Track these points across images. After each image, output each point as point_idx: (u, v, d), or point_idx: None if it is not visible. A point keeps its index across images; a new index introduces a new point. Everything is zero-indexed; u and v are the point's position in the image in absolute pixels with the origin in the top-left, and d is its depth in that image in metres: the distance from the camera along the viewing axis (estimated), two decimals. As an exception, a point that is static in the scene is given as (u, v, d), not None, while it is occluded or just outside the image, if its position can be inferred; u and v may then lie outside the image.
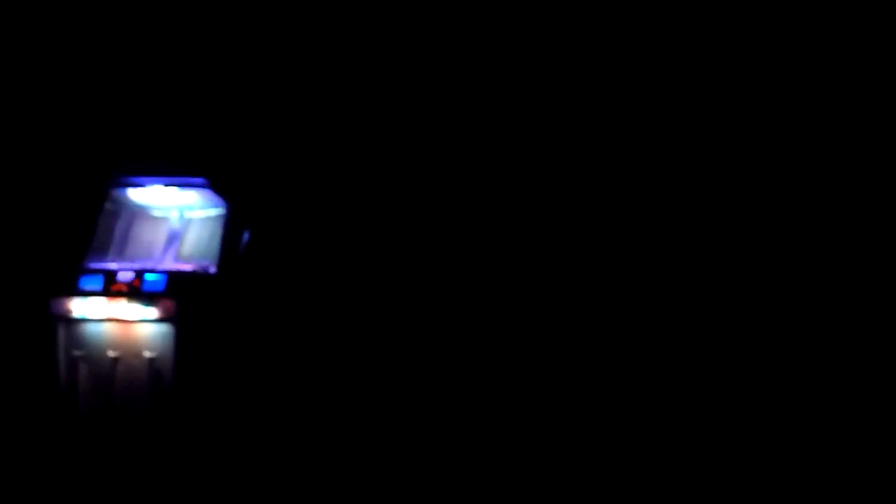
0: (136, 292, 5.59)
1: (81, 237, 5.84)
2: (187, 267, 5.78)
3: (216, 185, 5.89)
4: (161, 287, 5.60)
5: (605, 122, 6.17)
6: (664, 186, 6.07)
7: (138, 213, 6.06)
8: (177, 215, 6.04)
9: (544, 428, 5.78)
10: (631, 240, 6.04)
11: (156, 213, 6.06)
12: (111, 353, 5.58)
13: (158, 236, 5.99)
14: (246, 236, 5.81)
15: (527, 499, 5.27)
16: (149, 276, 5.64)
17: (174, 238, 5.96)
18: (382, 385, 6.05)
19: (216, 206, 5.95)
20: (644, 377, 5.81)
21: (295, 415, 5.91)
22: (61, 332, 5.64)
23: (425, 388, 5.99)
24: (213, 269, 5.72)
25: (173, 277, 5.64)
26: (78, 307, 5.62)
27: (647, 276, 5.98)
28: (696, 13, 6.12)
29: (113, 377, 5.58)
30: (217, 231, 5.85)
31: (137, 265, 5.78)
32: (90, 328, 5.63)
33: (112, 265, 5.79)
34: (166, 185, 5.92)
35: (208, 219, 5.97)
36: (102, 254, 5.88)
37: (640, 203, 6.07)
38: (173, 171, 5.92)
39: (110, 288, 5.61)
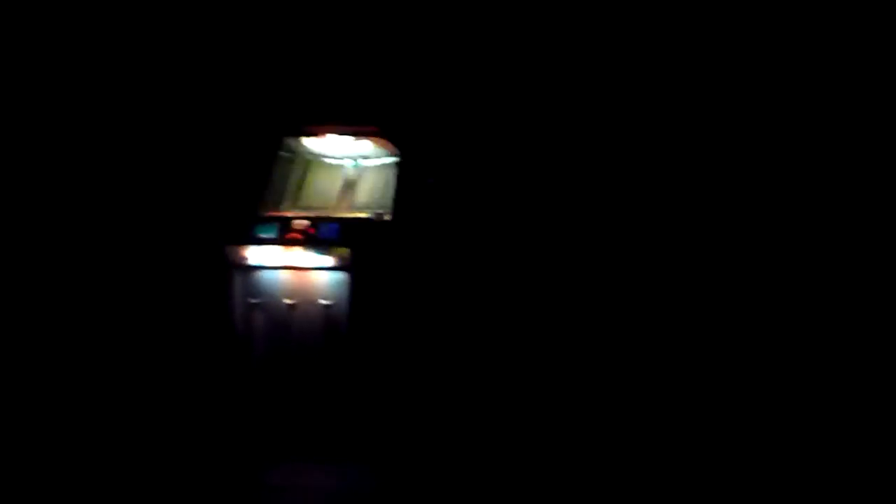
0: (311, 240, 5.55)
1: (257, 186, 5.84)
2: (362, 215, 5.70)
3: (390, 133, 5.80)
4: (336, 235, 5.54)
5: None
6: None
7: (313, 161, 6.02)
8: (351, 163, 5.96)
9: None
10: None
11: (330, 162, 6.00)
12: (287, 301, 5.55)
13: (333, 184, 5.93)
14: (430, 181, 5.70)
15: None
16: (324, 224, 5.59)
17: (349, 186, 5.90)
18: (555, 344, 5.90)
19: (390, 154, 5.85)
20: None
21: (469, 362, 5.80)
22: (237, 280, 5.65)
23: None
24: (387, 217, 5.62)
25: (348, 225, 5.58)
26: (254, 255, 5.61)
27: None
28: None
29: (288, 325, 5.56)
30: (391, 179, 5.75)
31: (312, 213, 5.73)
32: (266, 276, 5.62)
33: (287, 213, 5.77)
34: (341, 133, 5.86)
35: (383, 166, 5.88)
36: (278, 202, 5.86)
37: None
38: (348, 119, 5.86)
39: (285, 236, 5.58)
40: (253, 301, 5.61)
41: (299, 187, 5.96)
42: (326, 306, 5.49)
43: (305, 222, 5.61)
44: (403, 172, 5.74)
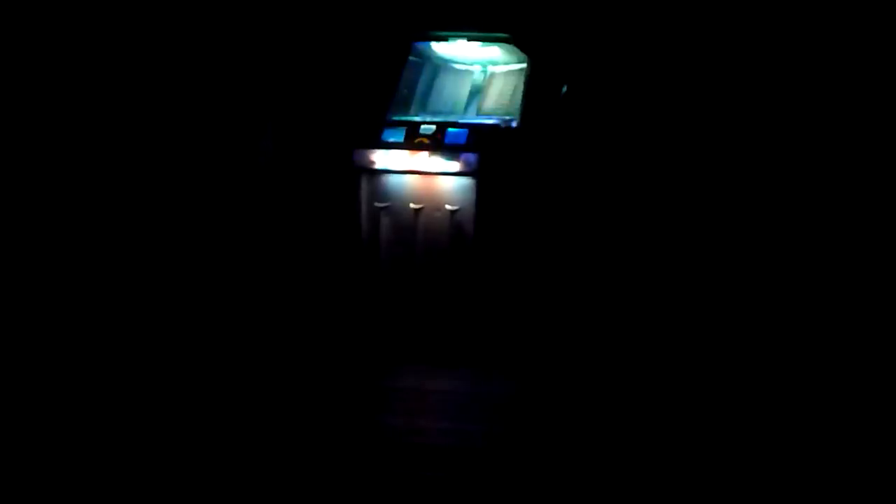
0: (438, 145, 5.54)
1: (385, 90, 5.84)
2: (489, 121, 5.67)
3: (519, 39, 5.73)
4: (463, 140, 5.53)
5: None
6: None
7: (442, 66, 6.01)
8: (480, 69, 5.93)
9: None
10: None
11: (459, 67, 5.98)
12: (413, 205, 5.58)
13: (461, 90, 5.91)
14: (564, 90, 5.62)
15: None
16: (451, 130, 5.58)
17: (476, 92, 5.86)
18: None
19: (519, 61, 5.78)
20: None
21: (593, 269, 5.76)
22: (364, 184, 5.69)
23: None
24: (514, 124, 5.58)
25: (475, 131, 5.56)
26: (381, 159, 5.63)
27: None
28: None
29: (414, 229, 5.58)
30: (519, 85, 5.70)
31: (440, 118, 5.73)
32: (393, 180, 5.64)
33: (415, 118, 5.77)
34: (470, 39, 5.82)
35: (511, 73, 5.83)
36: (405, 107, 5.86)
37: None
38: (477, 25, 5.81)
39: (413, 140, 5.59)
40: (379, 205, 5.65)
41: (427, 92, 5.95)
42: (452, 211, 5.50)
43: (433, 127, 5.61)
44: (532, 79, 5.67)
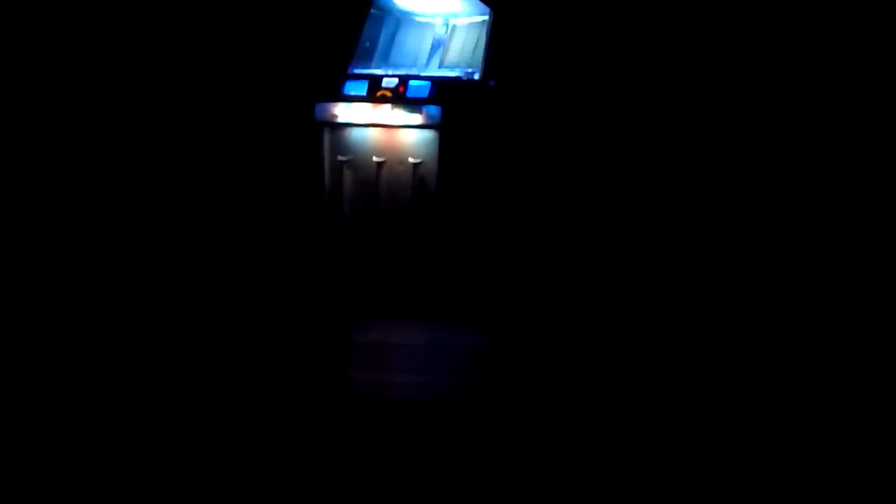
0: (400, 98, 5.53)
1: (347, 43, 5.82)
2: (452, 73, 5.67)
3: (481, -9, 5.72)
4: (425, 93, 5.52)
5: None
6: None
7: (403, 19, 5.97)
8: (441, 22, 5.90)
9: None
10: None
11: (421, 20, 5.95)
12: (375, 159, 5.58)
13: (423, 43, 5.89)
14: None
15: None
16: (413, 83, 5.57)
17: (439, 45, 5.85)
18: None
19: (481, 13, 5.76)
20: None
21: (556, 222, 5.79)
22: (326, 137, 5.68)
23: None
24: (477, 76, 5.58)
25: (438, 84, 5.55)
26: (343, 112, 5.62)
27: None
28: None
29: (377, 182, 5.59)
30: (482, 38, 5.69)
31: (402, 71, 5.71)
32: (355, 133, 5.64)
33: (377, 71, 5.75)
34: (431, -9, 5.80)
35: (473, 25, 5.81)
36: (367, 60, 5.84)
37: None
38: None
39: (375, 93, 5.58)
40: (342, 158, 5.64)
41: (389, 45, 5.93)
42: (415, 164, 5.51)
43: (395, 80, 5.59)
44: (494, 31, 5.66)
